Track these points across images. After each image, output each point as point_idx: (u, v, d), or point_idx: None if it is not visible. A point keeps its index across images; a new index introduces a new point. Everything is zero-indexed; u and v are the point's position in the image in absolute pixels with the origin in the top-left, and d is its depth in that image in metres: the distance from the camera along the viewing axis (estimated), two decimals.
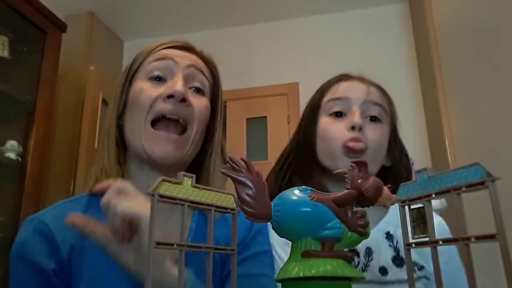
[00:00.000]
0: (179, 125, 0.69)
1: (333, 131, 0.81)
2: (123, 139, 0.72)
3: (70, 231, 0.63)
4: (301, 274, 0.36)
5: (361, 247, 0.77)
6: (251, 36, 2.97)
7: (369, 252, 0.77)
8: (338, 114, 0.82)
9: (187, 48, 0.76)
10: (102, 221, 0.60)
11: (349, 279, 0.38)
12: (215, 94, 0.78)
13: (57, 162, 2.40)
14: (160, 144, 0.67)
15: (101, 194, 0.60)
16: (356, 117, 0.79)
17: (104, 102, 2.58)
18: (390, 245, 0.77)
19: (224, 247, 0.40)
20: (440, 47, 2.22)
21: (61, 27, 2.23)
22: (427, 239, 0.37)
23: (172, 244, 0.35)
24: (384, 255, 0.76)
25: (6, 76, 1.98)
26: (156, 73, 0.71)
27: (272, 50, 2.90)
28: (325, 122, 0.83)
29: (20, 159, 1.95)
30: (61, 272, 0.62)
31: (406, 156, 0.91)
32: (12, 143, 1.94)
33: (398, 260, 0.75)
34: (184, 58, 0.73)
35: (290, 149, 0.90)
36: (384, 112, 0.84)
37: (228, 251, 0.40)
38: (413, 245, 0.38)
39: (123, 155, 0.73)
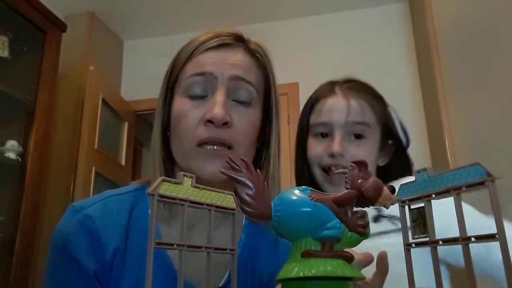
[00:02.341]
0: (224, 145, 0.65)
1: (313, 154, 0.90)
2: (169, 152, 0.68)
3: (116, 231, 0.62)
4: (301, 274, 0.36)
5: None
6: (251, 36, 2.97)
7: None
8: (323, 135, 0.91)
9: (229, 44, 0.68)
10: (144, 222, 0.62)
11: (349, 279, 0.38)
12: (268, 91, 0.72)
13: (57, 162, 2.40)
14: (208, 162, 0.63)
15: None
16: (335, 145, 0.86)
17: (104, 102, 2.58)
18: (375, 208, 0.83)
19: (224, 248, 0.40)
20: (440, 47, 2.22)
21: (61, 27, 2.23)
22: (427, 239, 0.37)
23: (172, 244, 0.35)
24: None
25: (6, 76, 1.98)
26: (196, 91, 0.66)
27: (272, 50, 2.89)
28: (310, 143, 0.92)
29: (20, 159, 1.95)
30: (102, 273, 0.60)
31: (403, 150, 0.96)
32: (12, 143, 1.94)
33: (376, 218, 0.82)
34: (226, 65, 0.66)
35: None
36: (367, 127, 0.89)
37: (228, 251, 0.40)
38: (413, 245, 0.38)
39: (171, 167, 0.69)
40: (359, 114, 0.88)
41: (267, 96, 0.72)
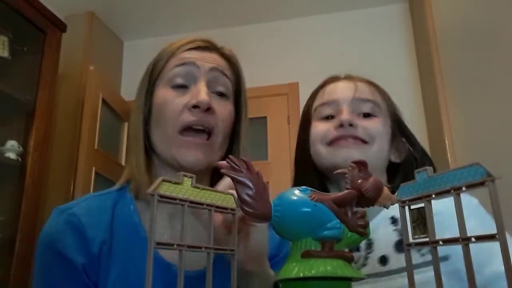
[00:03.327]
0: (205, 132, 0.70)
1: (317, 132, 0.80)
2: (150, 144, 0.73)
3: (100, 227, 0.66)
4: (301, 274, 0.36)
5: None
6: (251, 36, 2.97)
7: (369, 244, 0.74)
8: (329, 118, 0.80)
9: (207, 47, 0.75)
10: (127, 218, 0.66)
11: (349, 279, 0.38)
12: (238, 93, 0.77)
13: (57, 162, 2.40)
14: (190, 152, 0.68)
15: (136, 192, 0.68)
16: (343, 115, 0.77)
17: (104, 102, 2.58)
18: (395, 230, 0.73)
19: (224, 248, 0.40)
20: (440, 47, 2.22)
21: (61, 27, 2.23)
22: (427, 239, 0.37)
23: (172, 244, 0.35)
24: (385, 242, 0.72)
25: (6, 76, 1.98)
26: (179, 81, 0.71)
27: (272, 50, 2.90)
28: (313, 126, 0.82)
29: (20, 159, 1.95)
30: (90, 267, 0.63)
31: (424, 153, 0.86)
32: (12, 143, 1.94)
33: (402, 245, 0.70)
34: (206, 60, 0.72)
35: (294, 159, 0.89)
36: (377, 107, 0.80)
37: (228, 251, 0.40)
38: (413, 245, 0.38)
39: (150, 160, 0.73)
40: (367, 92, 0.80)
41: (237, 97, 0.77)
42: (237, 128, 0.76)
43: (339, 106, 0.80)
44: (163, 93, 0.71)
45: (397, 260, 0.69)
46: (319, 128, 0.80)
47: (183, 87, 0.70)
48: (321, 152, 0.78)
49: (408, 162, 0.82)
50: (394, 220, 0.74)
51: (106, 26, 2.96)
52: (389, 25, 2.77)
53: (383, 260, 0.70)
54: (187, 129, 0.69)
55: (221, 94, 0.72)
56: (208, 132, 0.69)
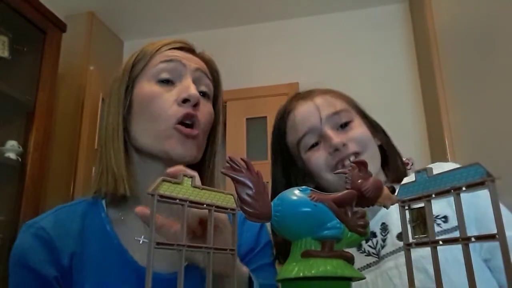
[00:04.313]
0: (193, 127, 0.70)
1: (317, 163, 0.81)
2: (128, 140, 0.72)
3: (70, 237, 0.65)
4: (301, 274, 0.36)
5: (375, 225, 0.78)
6: (251, 36, 2.97)
7: (384, 227, 0.78)
8: (315, 144, 0.82)
9: (188, 49, 0.76)
10: (99, 226, 0.64)
11: (349, 279, 0.38)
12: (216, 96, 0.79)
13: (57, 162, 2.40)
14: (183, 144, 0.68)
15: (113, 189, 0.66)
16: (333, 139, 0.79)
17: (104, 102, 2.58)
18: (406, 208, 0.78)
19: (224, 247, 0.40)
20: (440, 47, 2.22)
21: (61, 27, 2.23)
22: (427, 239, 0.37)
23: (172, 244, 0.35)
24: (399, 222, 0.76)
25: (6, 76, 1.98)
26: (165, 75, 0.71)
27: (272, 50, 2.90)
28: (307, 158, 0.83)
29: (20, 159, 1.95)
30: (63, 279, 0.62)
31: (384, 132, 0.93)
32: (12, 143, 1.94)
33: None
34: (191, 60, 0.73)
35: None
36: (347, 112, 0.84)
37: (228, 251, 0.40)
38: (413, 245, 0.38)
39: (127, 156, 0.72)
40: (329, 105, 0.83)
41: (214, 101, 0.78)
42: (213, 129, 0.77)
43: (320, 130, 0.82)
44: (149, 88, 0.70)
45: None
46: (317, 158, 0.82)
47: (168, 82, 0.71)
48: (332, 180, 0.81)
49: (386, 144, 0.89)
50: (403, 201, 0.79)
51: (106, 26, 2.96)
52: (389, 25, 2.77)
53: (401, 236, 0.75)
54: (180, 123, 0.69)
55: (203, 94, 0.74)
56: (195, 127, 0.70)
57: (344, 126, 0.82)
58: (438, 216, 0.73)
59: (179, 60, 0.72)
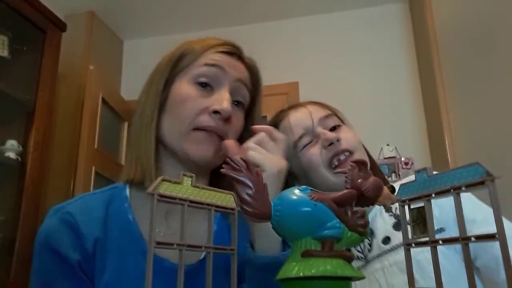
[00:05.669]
0: (216, 135, 0.70)
1: (313, 158, 0.85)
2: (157, 133, 0.72)
3: (94, 223, 0.66)
4: (301, 274, 0.36)
5: None
6: (251, 36, 2.97)
7: (370, 232, 0.83)
8: (310, 142, 0.87)
9: (234, 53, 0.76)
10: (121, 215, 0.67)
11: (349, 279, 0.38)
12: (253, 104, 0.78)
13: (57, 162, 2.40)
14: (202, 145, 0.69)
15: (142, 178, 0.68)
16: (327, 134, 0.84)
17: (104, 101, 2.58)
18: (390, 215, 0.84)
19: (224, 247, 0.40)
20: (440, 47, 2.22)
21: (61, 27, 2.23)
22: (427, 239, 0.37)
23: (172, 244, 0.35)
24: (384, 227, 0.83)
25: (6, 76, 1.98)
26: (204, 79, 0.71)
27: (272, 49, 2.90)
28: (303, 155, 0.87)
29: (20, 159, 1.95)
30: (85, 263, 0.64)
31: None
32: (12, 143, 1.94)
33: (399, 225, 0.81)
34: (233, 68, 0.73)
35: None
36: (336, 117, 0.89)
37: (228, 251, 0.40)
38: (413, 245, 0.38)
39: (157, 149, 0.73)
40: (319, 110, 0.89)
41: (250, 106, 0.78)
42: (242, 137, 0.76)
43: (313, 130, 0.87)
44: (186, 88, 0.71)
45: (397, 237, 0.80)
46: (312, 153, 0.86)
47: (206, 86, 0.71)
48: (328, 177, 0.84)
49: None
50: (387, 208, 0.82)
51: (106, 25, 2.96)
52: (389, 25, 2.77)
53: (386, 240, 0.81)
54: (200, 129, 0.69)
55: (237, 103, 0.74)
56: (219, 137, 0.70)
57: (334, 129, 0.87)
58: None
59: (222, 67, 0.71)
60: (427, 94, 2.46)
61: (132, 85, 3.27)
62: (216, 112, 0.69)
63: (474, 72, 1.88)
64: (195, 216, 0.69)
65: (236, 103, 0.73)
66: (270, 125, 0.92)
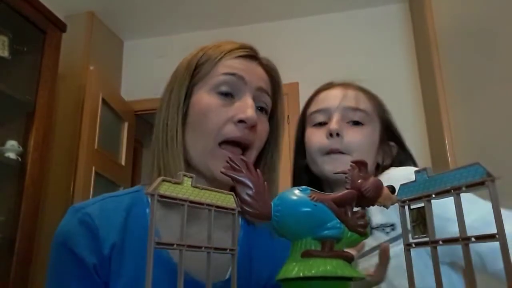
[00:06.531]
0: (240, 147, 0.69)
1: (313, 142, 0.87)
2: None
3: (113, 228, 0.65)
4: (301, 274, 0.36)
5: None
6: (251, 36, 2.95)
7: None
8: (322, 124, 0.88)
9: (252, 56, 0.74)
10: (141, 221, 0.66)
11: (349, 279, 0.38)
12: (274, 108, 0.76)
13: (57, 162, 2.40)
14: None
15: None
16: (332, 124, 0.84)
17: (104, 102, 2.58)
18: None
19: (224, 248, 0.40)
20: (440, 47, 2.22)
21: (61, 27, 2.23)
22: (427, 239, 0.37)
23: (172, 244, 0.35)
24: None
25: (6, 76, 1.98)
26: (225, 88, 0.69)
27: (272, 50, 2.89)
28: (308, 133, 0.89)
29: (20, 159, 1.95)
30: (101, 268, 0.63)
31: (409, 157, 0.93)
32: (12, 143, 1.94)
33: (372, 229, 0.81)
34: (253, 75, 0.71)
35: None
36: (365, 115, 0.87)
37: (228, 251, 0.40)
38: (413, 245, 0.38)
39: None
40: (355, 100, 0.88)
41: (273, 112, 0.77)
42: (271, 141, 0.75)
43: (330, 113, 0.87)
44: (207, 99, 0.69)
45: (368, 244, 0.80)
46: (313, 137, 0.87)
47: (227, 95, 0.69)
48: (322, 164, 0.85)
49: (396, 164, 0.90)
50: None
51: (106, 26, 2.96)
52: (389, 25, 2.77)
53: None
54: (226, 142, 0.68)
55: (261, 109, 0.72)
56: (243, 147, 0.69)
57: (354, 124, 0.86)
58: (385, 224, 0.77)
59: (241, 76, 0.69)
60: (427, 94, 2.46)
61: (132, 85, 3.28)
62: (241, 121, 0.67)
63: (474, 72, 1.88)
64: (218, 222, 0.68)
65: (259, 108, 0.72)
66: (316, 89, 0.96)
